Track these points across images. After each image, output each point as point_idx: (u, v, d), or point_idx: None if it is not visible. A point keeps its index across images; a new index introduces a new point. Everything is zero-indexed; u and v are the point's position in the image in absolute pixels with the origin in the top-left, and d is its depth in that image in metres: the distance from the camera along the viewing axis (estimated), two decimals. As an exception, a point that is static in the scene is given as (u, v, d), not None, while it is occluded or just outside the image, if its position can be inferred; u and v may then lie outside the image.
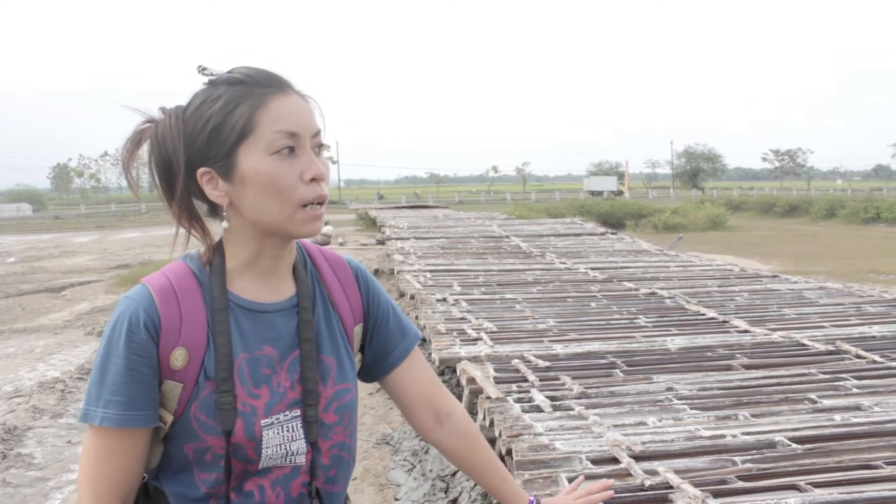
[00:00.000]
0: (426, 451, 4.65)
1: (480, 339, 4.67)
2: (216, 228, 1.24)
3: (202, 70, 1.18)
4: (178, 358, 1.16)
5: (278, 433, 1.19)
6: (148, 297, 1.18)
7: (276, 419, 1.19)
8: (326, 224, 17.95)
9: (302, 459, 1.22)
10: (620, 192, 57.80)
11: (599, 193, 55.27)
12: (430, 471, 4.32)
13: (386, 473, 4.57)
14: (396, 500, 4.17)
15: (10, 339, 9.22)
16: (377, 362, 1.42)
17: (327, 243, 16.95)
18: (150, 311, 1.16)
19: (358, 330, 1.37)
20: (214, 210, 1.21)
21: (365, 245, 18.90)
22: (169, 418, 1.18)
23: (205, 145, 1.15)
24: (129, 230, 34.10)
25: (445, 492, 3.96)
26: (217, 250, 1.23)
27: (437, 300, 6.32)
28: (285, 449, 1.20)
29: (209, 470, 1.18)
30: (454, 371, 4.27)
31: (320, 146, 1.20)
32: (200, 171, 1.17)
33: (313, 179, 1.16)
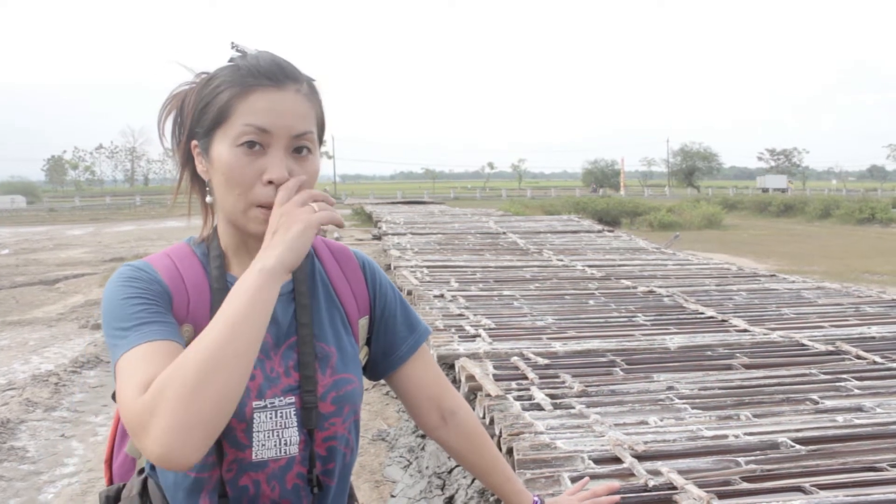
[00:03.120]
0: (422, 448, 4.63)
1: (479, 335, 4.64)
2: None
3: (234, 47, 1.19)
4: (185, 334, 1.15)
5: (270, 418, 1.17)
6: (150, 267, 1.18)
7: (270, 402, 1.17)
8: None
9: (295, 450, 1.19)
10: (787, 190, 62.48)
11: (776, 190, 60.42)
12: (427, 467, 4.30)
13: (382, 470, 4.54)
14: (392, 496, 4.14)
15: (3, 332, 9.16)
16: (384, 357, 1.40)
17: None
18: (156, 276, 1.17)
19: (363, 322, 1.35)
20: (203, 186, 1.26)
21: (361, 240, 18.86)
22: None
23: (194, 120, 1.18)
24: (124, 223, 33.99)
25: (442, 489, 3.93)
26: (214, 232, 1.25)
27: (435, 296, 6.29)
28: (278, 436, 1.18)
29: None
30: (452, 367, 4.24)
31: (305, 149, 1.16)
32: (192, 143, 1.20)
33: (270, 182, 1.12)
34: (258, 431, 1.16)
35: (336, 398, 1.23)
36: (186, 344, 1.11)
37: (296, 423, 1.19)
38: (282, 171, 1.11)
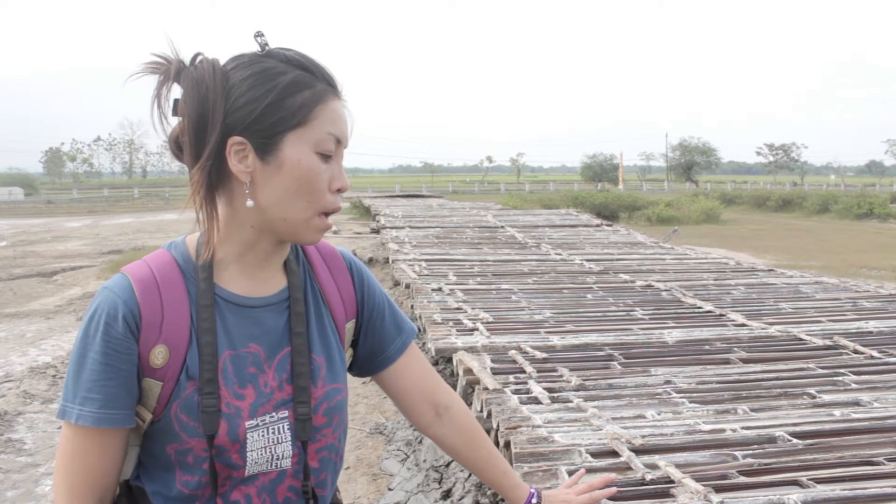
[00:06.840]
0: (420, 441, 4.63)
1: (476, 329, 4.63)
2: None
3: (259, 36, 1.13)
4: (158, 356, 1.11)
5: (263, 435, 1.15)
6: (128, 288, 1.12)
7: (262, 420, 1.15)
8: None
9: (287, 463, 1.18)
10: None
11: None
12: (424, 461, 4.30)
13: (379, 463, 4.55)
14: (390, 489, 4.15)
15: (0, 324, 9.15)
16: (372, 358, 1.38)
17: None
18: (131, 303, 1.11)
19: (350, 326, 1.33)
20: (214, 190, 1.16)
21: (359, 234, 18.86)
22: (148, 416, 1.14)
23: (256, 115, 1.09)
24: (122, 215, 33.93)
25: (439, 482, 3.94)
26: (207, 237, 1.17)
27: (433, 290, 6.28)
28: (270, 452, 1.16)
29: (191, 472, 1.14)
30: (449, 361, 4.24)
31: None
32: (234, 139, 1.09)
33: (338, 190, 1.15)
34: (251, 451, 1.15)
35: (328, 409, 1.22)
36: (164, 365, 1.11)
37: (289, 438, 1.18)
38: (347, 181, 1.16)
